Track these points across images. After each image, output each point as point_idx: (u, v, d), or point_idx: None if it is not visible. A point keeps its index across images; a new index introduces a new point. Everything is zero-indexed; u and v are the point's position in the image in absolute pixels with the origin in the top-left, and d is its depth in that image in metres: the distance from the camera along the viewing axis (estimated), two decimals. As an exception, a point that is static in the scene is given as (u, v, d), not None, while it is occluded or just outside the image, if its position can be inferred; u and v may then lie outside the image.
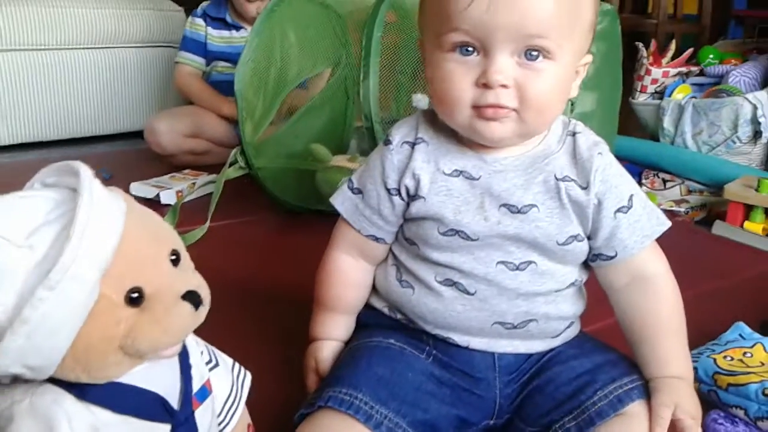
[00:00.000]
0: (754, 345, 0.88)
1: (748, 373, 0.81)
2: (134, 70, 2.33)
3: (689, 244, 1.43)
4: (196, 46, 2.00)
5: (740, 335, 0.92)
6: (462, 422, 0.72)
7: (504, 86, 0.63)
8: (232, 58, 1.99)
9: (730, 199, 1.54)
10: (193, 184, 1.63)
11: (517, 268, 0.70)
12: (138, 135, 2.34)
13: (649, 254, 0.73)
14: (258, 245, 1.38)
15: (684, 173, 1.79)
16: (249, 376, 0.68)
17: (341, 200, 0.77)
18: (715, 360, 0.85)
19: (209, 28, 2.00)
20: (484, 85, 0.64)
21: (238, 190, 1.50)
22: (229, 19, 2.00)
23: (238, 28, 2.00)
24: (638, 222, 0.72)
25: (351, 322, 0.82)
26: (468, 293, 0.70)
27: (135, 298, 0.49)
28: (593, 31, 0.69)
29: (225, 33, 2.00)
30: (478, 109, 0.65)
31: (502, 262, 0.70)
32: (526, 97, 0.64)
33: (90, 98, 2.26)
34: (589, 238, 0.72)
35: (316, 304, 0.83)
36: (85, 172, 0.49)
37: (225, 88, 1.97)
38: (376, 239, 0.76)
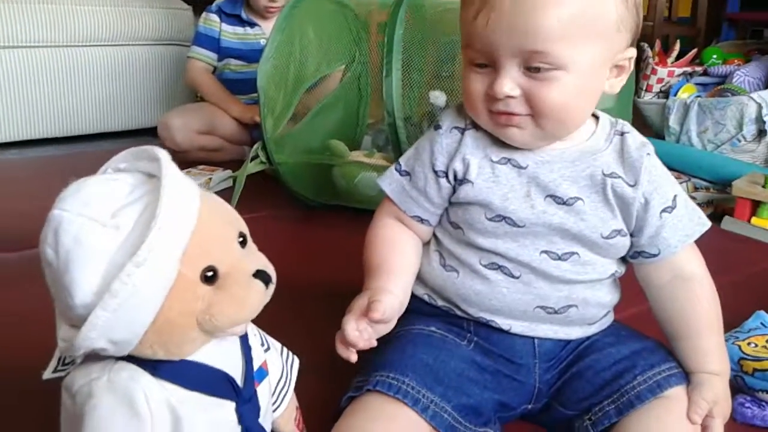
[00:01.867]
0: (777, 332, 0.91)
1: (774, 358, 0.84)
2: (142, 68, 2.33)
3: (700, 238, 1.46)
4: (210, 42, 2.01)
5: (762, 323, 0.95)
6: (502, 406, 0.75)
7: (511, 97, 0.66)
8: (244, 55, 2.01)
9: (737, 195, 1.57)
10: (210, 179, 1.64)
11: (560, 258, 0.72)
12: (146, 132, 2.35)
13: (689, 254, 0.75)
14: (279, 239, 1.40)
15: (690, 171, 1.82)
16: (297, 360, 0.70)
17: (388, 182, 0.79)
18: (739, 347, 0.87)
19: (223, 24, 2.01)
20: (493, 96, 0.67)
21: (254, 185, 1.52)
22: (243, 15, 2.01)
23: (252, 24, 2.01)
24: (681, 222, 0.73)
25: (404, 282, 0.76)
26: (513, 276, 0.72)
27: (210, 277, 0.51)
28: (630, 25, 0.68)
29: (239, 29, 2.02)
30: (494, 115, 0.69)
31: (546, 252, 0.72)
32: (537, 105, 0.66)
33: (98, 95, 2.27)
34: (632, 235, 0.74)
35: (366, 273, 0.77)
36: (165, 156, 0.51)
37: (238, 86, 1.99)
38: (421, 220, 0.77)
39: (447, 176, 0.74)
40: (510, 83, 0.66)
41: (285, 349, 0.69)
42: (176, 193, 0.49)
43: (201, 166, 1.73)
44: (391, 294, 0.72)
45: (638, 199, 0.72)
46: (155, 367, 0.52)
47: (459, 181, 0.74)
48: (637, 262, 0.77)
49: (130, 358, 0.52)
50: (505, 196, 0.71)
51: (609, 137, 0.74)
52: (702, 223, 0.75)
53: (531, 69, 0.65)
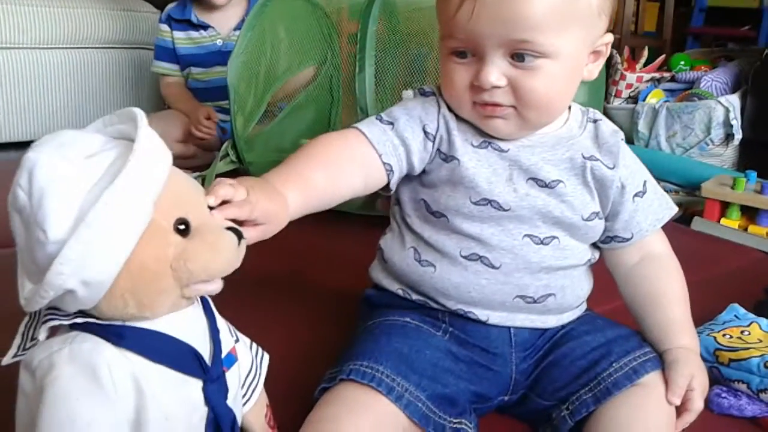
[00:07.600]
0: (750, 324, 0.91)
1: (748, 348, 0.84)
2: (106, 72, 2.27)
3: (671, 238, 1.46)
4: (166, 53, 1.95)
5: (735, 316, 0.95)
6: (478, 397, 0.73)
7: (497, 87, 0.66)
8: (202, 60, 1.94)
9: (707, 196, 1.59)
10: (178, 181, 1.61)
11: (542, 242, 0.72)
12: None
13: (657, 235, 0.78)
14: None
15: (660, 175, 1.83)
16: (267, 356, 0.68)
17: (368, 126, 0.72)
18: (715, 338, 0.87)
19: (175, 32, 1.94)
20: (479, 86, 0.66)
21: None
22: (194, 19, 1.93)
23: (205, 27, 1.94)
24: (651, 206, 0.76)
25: (310, 203, 0.69)
26: (493, 267, 0.71)
27: (182, 229, 0.51)
28: (609, 9, 0.69)
29: (193, 33, 1.94)
30: (478, 106, 0.68)
31: (528, 236, 0.71)
32: (522, 95, 0.66)
33: (60, 99, 2.20)
34: (606, 219, 0.75)
35: (285, 161, 0.68)
36: (141, 113, 0.51)
37: (201, 95, 1.93)
38: (390, 171, 0.71)
39: (434, 141, 0.72)
40: (496, 72, 0.65)
41: (254, 344, 0.67)
42: (152, 138, 0.50)
43: (170, 169, 1.69)
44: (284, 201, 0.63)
45: (616, 183, 0.73)
46: (120, 335, 0.50)
47: (444, 156, 0.72)
48: (608, 247, 0.78)
49: (93, 330, 0.50)
50: (489, 179, 0.70)
51: (582, 124, 0.75)
52: (670, 207, 0.78)
53: (516, 58, 0.65)
